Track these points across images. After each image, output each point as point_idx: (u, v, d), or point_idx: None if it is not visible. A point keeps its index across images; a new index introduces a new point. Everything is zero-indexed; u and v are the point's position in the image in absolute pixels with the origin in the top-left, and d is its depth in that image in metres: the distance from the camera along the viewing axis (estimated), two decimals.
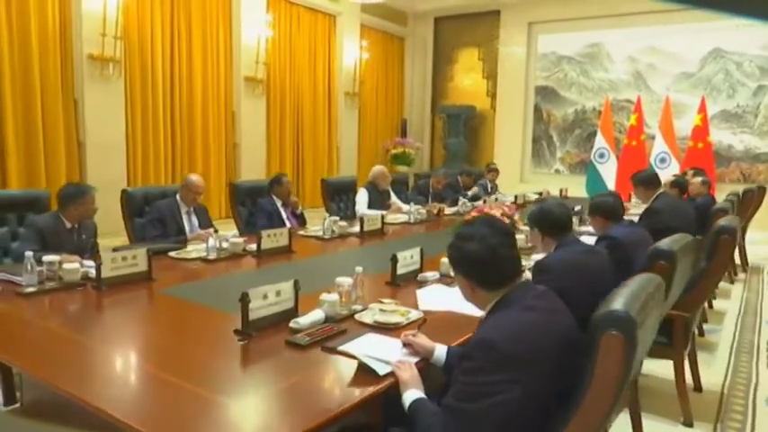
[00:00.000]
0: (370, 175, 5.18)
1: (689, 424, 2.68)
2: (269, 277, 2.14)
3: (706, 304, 4.59)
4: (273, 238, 3.14)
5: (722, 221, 2.68)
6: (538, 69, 10.32)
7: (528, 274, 2.18)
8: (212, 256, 2.93)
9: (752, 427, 2.71)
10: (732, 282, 5.48)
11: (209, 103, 7.87)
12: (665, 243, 2.33)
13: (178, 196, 3.56)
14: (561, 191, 7.28)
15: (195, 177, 3.58)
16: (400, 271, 2.57)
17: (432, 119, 11.61)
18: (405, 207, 5.02)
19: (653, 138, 8.77)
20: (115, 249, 2.84)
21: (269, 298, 1.91)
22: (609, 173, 9.14)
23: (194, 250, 3.05)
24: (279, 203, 4.27)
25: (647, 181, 4.08)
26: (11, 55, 5.85)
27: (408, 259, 2.63)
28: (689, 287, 2.69)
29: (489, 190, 6.88)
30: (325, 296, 2.01)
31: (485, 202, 5.11)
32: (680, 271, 2.27)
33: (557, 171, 10.33)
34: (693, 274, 2.72)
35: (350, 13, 9.81)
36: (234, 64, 8.13)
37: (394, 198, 5.28)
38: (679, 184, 4.75)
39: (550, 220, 2.30)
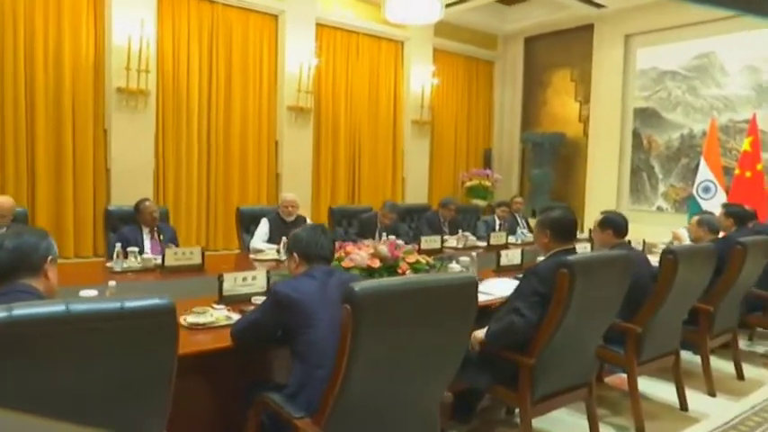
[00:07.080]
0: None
1: None
2: None
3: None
4: None
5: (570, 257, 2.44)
6: (637, 89, 8.66)
7: None
8: None
9: None
10: None
11: (248, 132, 7.91)
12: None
13: None
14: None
15: (2, 198, 3.42)
16: None
17: (522, 148, 10.41)
18: None
19: None
20: None
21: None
22: (716, 211, 7.21)
23: None
24: (146, 231, 3.94)
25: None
26: (45, 89, 6.44)
27: None
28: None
29: (498, 228, 5.75)
30: None
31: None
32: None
33: (659, 209, 8.48)
34: None
35: (420, 39, 9.28)
36: (278, 93, 8.10)
37: None
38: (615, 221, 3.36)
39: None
